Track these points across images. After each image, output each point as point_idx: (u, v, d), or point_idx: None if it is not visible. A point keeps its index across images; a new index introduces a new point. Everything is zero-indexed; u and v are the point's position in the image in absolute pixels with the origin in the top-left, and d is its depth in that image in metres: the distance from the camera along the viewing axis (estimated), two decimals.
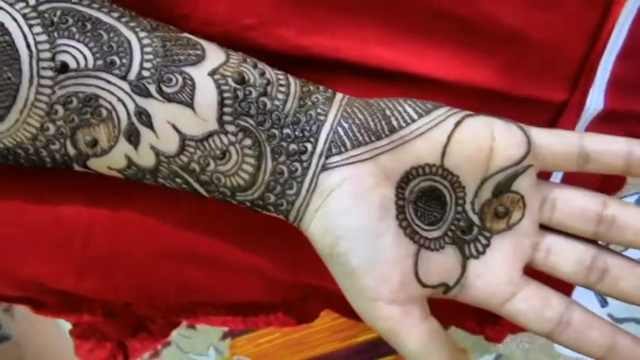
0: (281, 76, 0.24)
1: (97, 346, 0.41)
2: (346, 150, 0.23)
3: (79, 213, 0.27)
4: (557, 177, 0.32)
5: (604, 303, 0.44)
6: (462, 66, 0.27)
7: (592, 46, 0.27)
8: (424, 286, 0.24)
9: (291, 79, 0.24)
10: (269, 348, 0.59)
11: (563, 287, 0.31)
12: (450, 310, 0.42)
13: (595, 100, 0.28)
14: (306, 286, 0.34)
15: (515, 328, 0.42)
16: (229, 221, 0.29)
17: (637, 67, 0.29)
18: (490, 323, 0.42)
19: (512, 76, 0.27)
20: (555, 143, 0.24)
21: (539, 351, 0.45)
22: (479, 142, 0.23)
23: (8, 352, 1.15)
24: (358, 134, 0.23)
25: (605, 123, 0.30)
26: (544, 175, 0.30)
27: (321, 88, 0.24)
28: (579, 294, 0.42)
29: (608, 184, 0.38)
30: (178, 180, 0.23)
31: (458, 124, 0.23)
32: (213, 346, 0.60)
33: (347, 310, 0.26)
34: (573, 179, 0.30)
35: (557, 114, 0.29)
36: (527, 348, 0.45)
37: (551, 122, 0.29)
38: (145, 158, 0.23)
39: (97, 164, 0.23)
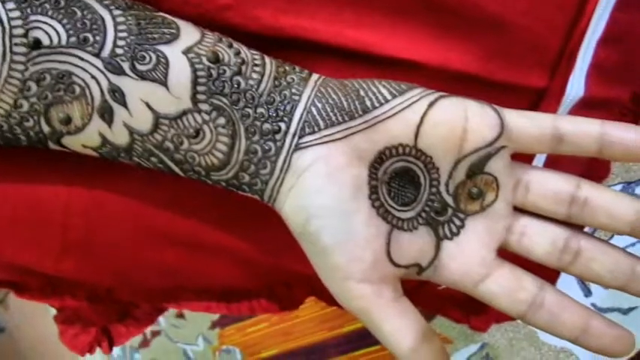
0: (256, 56, 0.24)
1: (82, 331, 0.41)
2: (319, 130, 0.23)
3: (56, 194, 0.27)
4: (539, 162, 0.32)
5: (588, 293, 0.44)
6: (441, 50, 0.27)
7: (572, 31, 0.27)
8: (396, 265, 0.24)
9: (267, 59, 0.24)
10: (257, 337, 0.59)
11: (549, 275, 0.31)
12: (436, 299, 0.42)
13: (576, 87, 0.28)
14: (289, 273, 0.35)
15: (499, 318, 0.42)
16: (208, 204, 0.29)
17: (619, 53, 0.29)
18: (475, 312, 0.42)
19: (492, 61, 0.27)
20: (529, 125, 0.24)
21: (523, 340, 0.45)
22: (452, 123, 0.23)
23: (3, 343, 1.15)
24: (331, 114, 0.23)
25: (586, 110, 0.30)
26: (527, 160, 0.30)
27: (297, 68, 0.24)
28: (563, 283, 0.43)
29: (592, 173, 0.38)
30: (153, 159, 0.23)
31: (431, 104, 0.23)
32: (202, 335, 0.61)
33: (332, 299, 0.26)
34: (558, 167, 0.30)
35: (538, 100, 0.29)
36: (512, 337, 0.45)
37: (532, 108, 0.29)
38: (119, 136, 0.23)
39: (72, 142, 0.23)
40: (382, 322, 0.23)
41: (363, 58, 0.26)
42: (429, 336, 0.24)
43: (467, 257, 0.25)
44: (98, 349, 0.44)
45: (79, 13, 0.22)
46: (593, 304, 0.45)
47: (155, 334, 0.64)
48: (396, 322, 0.23)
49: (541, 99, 0.29)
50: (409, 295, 0.40)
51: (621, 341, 0.24)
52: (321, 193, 0.23)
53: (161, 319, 0.62)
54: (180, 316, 0.61)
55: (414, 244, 0.24)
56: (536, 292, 0.24)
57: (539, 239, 0.24)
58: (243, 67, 0.23)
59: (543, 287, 0.24)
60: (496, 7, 0.26)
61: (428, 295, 0.40)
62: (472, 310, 0.42)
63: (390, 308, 0.23)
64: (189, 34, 0.23)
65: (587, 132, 0.23)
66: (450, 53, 0.27)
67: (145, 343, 0.64)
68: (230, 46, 0.23)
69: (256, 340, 0.59)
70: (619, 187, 0.39)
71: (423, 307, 0.44)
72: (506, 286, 0.24)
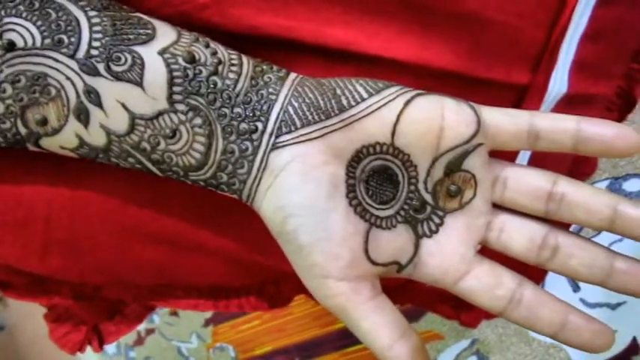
0: (234, 56, 0.24)
1: (72, 330, 0.41)
2: (296, 129, 0.23)
3: (38, 193, 0.28)
4: (523, 160, 0.32)
5: (576, 288, 0.44)
6: (421, 48, 0.27)
7: (553, 27, 0.27)
8: (374, 264, 0.24)
9: (245, 58, 0.24)
10: (250, 335, 0.59)
11: (536, 272, 0.31)
12: (427, 295, 0.42)
13: (558, 83, 0.28)
14: (277, 271, 0.35)
15: (489, 314, 0.42)
16: (193, 203, 0.29)
17: (602, 49, 0.29)
18: (465, 308, 0.43)
19: (473, 58, 0.27)
20: (505, 122, 0.24)
21: (513, 335, 0.46)
22: (428, 121, 0.23)
23: (2, 341, 1.15)
24: (308, 113, 0.23)
25: (571, 106, 0.30)
26: (510, 158, 0.30)
27: (275, 67, 0.24)
28: (552, 279, 0.43)
29: (579, 169, 0.38)
30: (131, 159, 0.24)
31: (408, 102, 0.23)
32: (196, 333, 0.61)
33: None
34: (543, 165, 0.30)
35: (521, 97, 0.29)
36: (502, 332, 0.45)
37: (515, 105, 0.29)
38: (96, 137, 0.23)
39: (50, 143, 0.23)
40: (360, 319, 0.23)
41: (342, 56, 0.26)
42: (407, 333, 0.24)
43: (446, 254, 0.25)
44: (89, 348, 0.44)
45: (53, 15, 0.22)
46: (581, 300, 0.45)
47: (149, 331, 0.64)
48: (374, 320, 0.23)
49: (524, 96, 0.29)
50: (399, 292, 0.40)
51: (601, 336, 0.24)
52: (298, 191, 0.23)
53: (155, 316, 0.62)
54: (174, 313, 0.61)
55: (393, 242, 0.24)
56: (515, 288, 0.24)
57: (518, 235, 0.25)
58: (220, 67, 0.23)
59: (522, 284, 0.25)
60: (474, 4, 0.26)
61: (418, 291, 0.40)
62: (462, 307, 0.42)
63: (367, 306, 0.24)
64: (165, 34, 0.23)
65: (563, 128, 0.23)
66: (430, 51, 0.27)
67: (139, 341, 0.65)
68: (207, 46, 0.23)
69: (250, 337, 0.60)
70: (606, 182, 0.39)
71: (413, 304, 0.44)
72: (485, 282, 0.25)
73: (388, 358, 0.23)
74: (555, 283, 0.42)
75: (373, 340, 0.23)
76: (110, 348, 0.65)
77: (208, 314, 0.59)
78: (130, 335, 0.64)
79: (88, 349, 0.45)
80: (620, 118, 0.35)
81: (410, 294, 0.41)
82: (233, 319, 0.59)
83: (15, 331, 1.18)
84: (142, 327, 0.61)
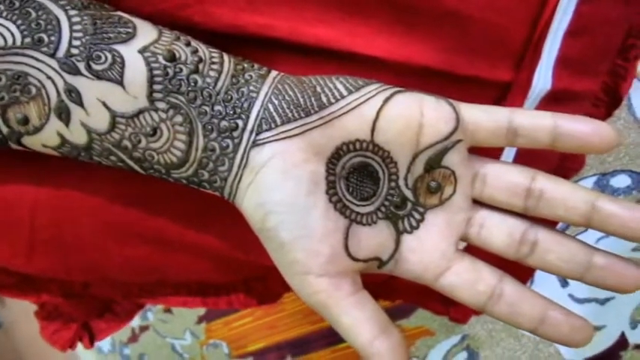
0: (215, 54, 0.24)
1: (62, 327, 0.41)
2: (276, 126, 0.23)
3: (23, 192, 0.28)
4: (509, 156, 0.32)
5: (564, 283, 0.44)
6: (402, 46, 0.27)
7: (536, 24, 0.27)
8: (355, 260, 0.24)
9: (226, 56, 0.24)
10: (243, 331, 0.59)
11: (525, 270, 0.31)
12: (416, 291, 0.42)
13: (542, 79, 0.29)
14: (264, 268, 0.35)
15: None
16: (178, 201, 0.29)
17: (586, 45, 0.29)
18: (454, 305, 0.43)
19: (454, 55, 0.27)
20: (484, 119, 0.24)
21: (502, 331, 0.46)
22: (408, 118, 0.24)
23: (0, 339, 1.15)
24: (287, 110, 0.23)
25: (555, 103, 0.30)
26: (494, 154, 0.30)
27: (256, 66, 0.25)
28: (541, 274, 0.43)
29: (567, 165, 0.38)
30: (113, 157, 0.24)
31: (387, 100, 0.23)
32: (190, 330, 0.61)
33: None
34: (530, 161, 0.31)
35: (504, 94, 0.29)
36: (491, 328, 0.45)
37: (498, 102, 0.29)
38: (77, 135, 0.23)
39: (31, 142, 0.23)
40: (340, 315, 0.24)
41: (323, 54, 0.26)
42: (388, 329, 0.24)
43: (427, 250, 0.25)
44: (85, 346, 0.45)
45: (33, 14, 0.22)
46: (570, 295, 0.45)
47: (143, 328, 0.64)
48: (355, 316, 0.24)
49: (507, 93, 0.29)
50: (389, 288, 0.40)
51: (580, 331, 0.24)
52: (278, 189, 0.23)
53: (149, 314, 0.62)
54: (168, 311, 0.61)
55: (374, 238, 0.25)
56: (496, 283, 0.25)
57: (497, 231, 0.25)
58: (201, 65, 0.23)
59: (502, 279, 0.25)
60: (456, 1, 0.26)
61: (408, 287, 0.40)
62: (451, 303, 0.43)
63: (348, 302, 0.24)
64: (145, 33, 0.23)
65: (541, 125, 0.23)
66: (412, 48, 0.27)
67: (133, 338, 0.65)
68: (188, 44, 0.24)
69: (242, 333, 0.60)
70: (593, 178, 0.39)
71: (403, 300, 0.44)
72: (466, 278, 0.25)
73: (369, 354, 0.23)
74: (544, 279, 0.42)
75: (354, 335, 0.24)
76: (105, 345, 0.65)
77: (201, 311, 0.60)
78: (125, 332, 0.64)
79: (84, 347, 0.45)
80: (606, 114, 0.35)
81: (399, 291, 0.41)
82: (226, 316, 0.60)
83: (13, 329, 1.18)
84: (136, 324, 0.62)
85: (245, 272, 0.35)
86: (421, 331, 0.47)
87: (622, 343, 0.43)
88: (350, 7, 0.26)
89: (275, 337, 0.58)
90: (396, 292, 0.42)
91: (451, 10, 0.26)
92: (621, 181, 0.37)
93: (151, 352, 0.65)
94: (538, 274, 0.43)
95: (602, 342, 0.43)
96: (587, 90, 0.32)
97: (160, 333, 0.63)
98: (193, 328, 0.61)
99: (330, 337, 0.56)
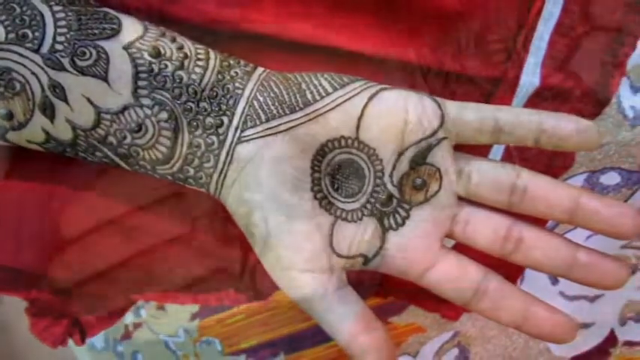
0: (200, 50, 0.24)
1: (53, 323, 0.41)
2: (261, 123, 0.23)
3: (9, 188, 0.28)
4: (497, 154, 0.32)
5: (555, 281, 0.44)
6: (390, 42, 0.27)
7: (524, 21, 0.28)
8: (340, 256, 0.24)
9: (212, 53, 0.24)
10: (236, 328, 0.59)
11: (515, 267, 0.31)
12: (407, 288, 0.42)
13: (530, 76, 0.29)
14: (253, 264, 0.35)
15: None
16: (166, 197, 0.29)
17: (574, 42, 0.29)
18: (446, 302, 0.43)
19: (441, 52, 0.27)
20: (469, 116, 0.24)
21: (494, 328, 0.46)
22: (393, 115, 0.24)
23: None
24: (272, 107, 0.23)
25: (544, 100, 0.30)
26: (482, 151, 0.31)
27: (242, 62, 0.25)
28: (531, 272, 0.43)
29: (557, 162, 0.38)
30: (98, 153, 0.24)
31: (372, 97, 0.24)
32: (183, 327, 0.61)
33: None
34: (519, 159, 0.31)
35: (492, 90, 0.29)
36: (483, 325, 0.45)
37: (486, 99, 0.30)
38: (62, 131, 0.23)
39: (17, 138, 0.23)
40: (325, 311, 0.24)
41: (309, 50, 0.26)
42: (373, 325, 0.24)
43: (413, 247, 0.25)
44: (78, 343, 0.45)
45: (17, 10, 0.22)
46: (561, 293, 0.45)
47: (137, 325, 0.64)
48: (339, 311, 0.24)
49: (495, 89, 0.29)
50: (381, 285, 0.40)
51: (562, 328, 0.24)
52: (263, 185, 0.23)
53: (142, 311, 0.62)
54: (161, 307, 0.61)
55: (359, 235, 0.25)
56: (480, 280, 0.25)
57: (482, 228, 0.25)
58: (186, 62, 0.23)
59: (487, 276, 0.25)
60: None
61: (399, 284, 0.40)
62: (443, 300, 0.43)
63: (332, 298, 0.24)
64: (131, 29, 0.23)
65: (525, 122, 0.23)
66: (399, 45, 0.27)
67: (127, 335, 0.65)
68: (173, 40, 0.24)
69: (235, 330, 0.60)
70: (583, 176, 0.39)
71: (395, 297, 0.44)
72: (451, 274, 0.25)
73: (352, 350, 0.23)
74: (535, 277, 0.42)
75: (338, 331, 0.24)
76: (98, 342, 0.65)
77: (195, 309, 0.59)
78: (118, 329, 0.64)
79: (75, 343, 0.45)
80: (595, 112, 0.35)
81: (391, 287, 0.41)
82: (219, 314, 0.60)
83: (10, 327, 1.18)
84: (129, 321, 0.61)
85: (233, 268, 0.36)
86: (413, 328, 0.47)
87: (611, 339, 0.43)
88: (335, 2, 0.26)
89: (268, 334, 0.58)
90: (387, 290, 0.42)
91: (438, 5, 0.26)
92: (611, 178, 0.37)
93: (145, 349, 0.65)
94: (528, 271, 0.43)
95: (592, 339, 0.43)
96: (575, 87, 0.32)
97: (154, 330, 0.63)
98: (187, 325, 0.61)
99: (324, 334, 0.56)
